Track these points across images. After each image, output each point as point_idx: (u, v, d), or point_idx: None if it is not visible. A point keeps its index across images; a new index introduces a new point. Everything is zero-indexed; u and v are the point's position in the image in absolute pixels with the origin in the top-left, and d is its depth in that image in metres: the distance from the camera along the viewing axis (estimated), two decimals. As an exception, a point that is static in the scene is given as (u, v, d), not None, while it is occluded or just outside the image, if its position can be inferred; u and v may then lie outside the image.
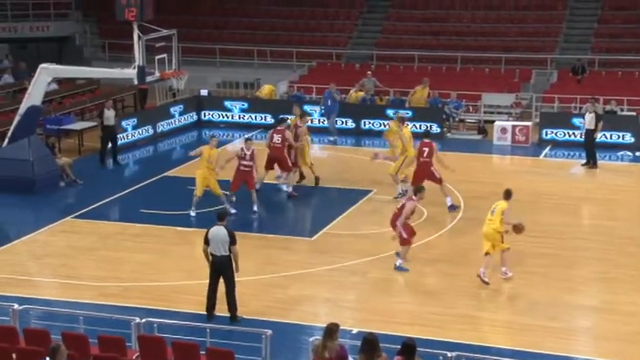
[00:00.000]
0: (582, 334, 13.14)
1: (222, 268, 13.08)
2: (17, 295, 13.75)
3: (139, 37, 21.10)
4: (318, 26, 34.16)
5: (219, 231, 13.10)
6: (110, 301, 13.90)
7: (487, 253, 14.56)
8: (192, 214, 18.03)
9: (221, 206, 17.70)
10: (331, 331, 9.86)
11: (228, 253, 13.06)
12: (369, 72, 29.19)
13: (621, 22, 31.34)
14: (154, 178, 21.33)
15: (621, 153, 23.79)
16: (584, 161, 22.48)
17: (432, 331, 12.78)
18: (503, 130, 25.22)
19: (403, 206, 15.50)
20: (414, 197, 15.78)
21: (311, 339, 10.76)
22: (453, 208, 18.65)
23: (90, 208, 18.91)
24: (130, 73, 21.40)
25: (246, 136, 22.51)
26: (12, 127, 20.75)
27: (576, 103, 26.94)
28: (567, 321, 13.35)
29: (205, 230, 13.35)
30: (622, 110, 26.07)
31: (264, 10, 35.06)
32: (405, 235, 15.37)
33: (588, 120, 22.48)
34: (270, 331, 11.06)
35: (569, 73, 29.28)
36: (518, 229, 14.82)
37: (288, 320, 13.31)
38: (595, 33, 31.41)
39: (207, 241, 13.14)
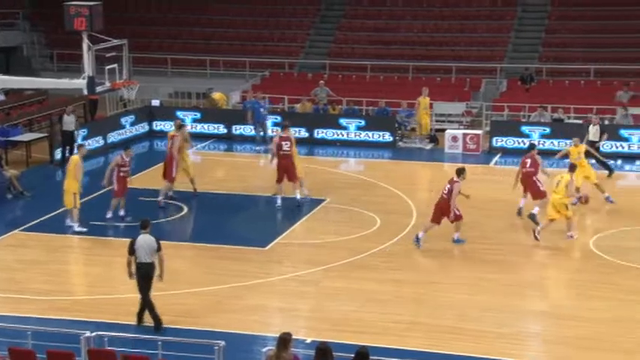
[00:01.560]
0: (532, 339, 13.30)
1: (146, 275, 13.19)
2: (-37, 311, 13.45)
3: (89, 47, 20.88)
4: (270, 36, 34.19)
5: (145, 239, 13.21)
6: (59, 315, 13.67)
7: (551, 220, 16.80)
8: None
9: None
10: (285, 340, 9.83)
11: (152, 260, 13.16)
12: (321, 81, 29.30)
13: (568, 32, 31.94)
14: (103, 190, 21.03)
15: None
16: (607, 172, 22.25)
17: (386, 339, 12.81)
18: (454, 138, 25.49)
19: (451, 190, 16.84)
20: (456, 179, 16.95)
21: (264, 349, 10.70)
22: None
23: (38, 220, 18.60)
24: (80, 83, 21.17)
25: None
26: (-42, 139, 20.37)
27: (525, 112, 27.34)
28: (517, 326, 13.50)
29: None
30: (569, 118, 26.54)
31: (217, 20, 34.98)
32: (458, 213, 16.92)
33: (592, 132, 22.76)
34: (223, 342, 10.97)
35: (518, 82, 29.73)
36: (584, 199, 17.58)
37: (242, 331, 13.23)
38: (543, 42, 31.96)
39: (132, 251, 13.19)
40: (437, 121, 27.88)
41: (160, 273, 13.29)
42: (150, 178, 21.12)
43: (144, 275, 13.18)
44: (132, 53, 22.97)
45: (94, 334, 11.29)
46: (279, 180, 19.54)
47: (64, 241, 17.49)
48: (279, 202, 19.55)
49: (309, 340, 12.42)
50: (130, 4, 35.37)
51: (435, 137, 26.56)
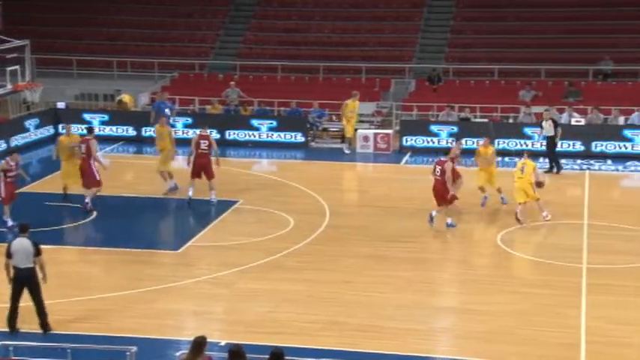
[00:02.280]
0: (443, 335, 13.58)
1: (26, 280, 12.89)
2: None
3: (-12, 48, 20.26)
4: (179, 36, 33.81)
5: (22, 243, 12.91)
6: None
7: (522, 203, 18.02)
8: None
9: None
10: (198, 344, 9.75)
11: (32, 265, 12.87)
12: (232, 82, 29.17)
13: (472, 33, 32.74)
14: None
15: (474, 158, 24.75)
16: (547, 167, 22.89)
17: (301, 339, 12.86)
18: (366, 138, 25.80)
19: (443, 170, 17.53)
20: (444, 158, 17.85)
21: (178, 353, 10.60)
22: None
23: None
24: (-20, 85, 20.51)
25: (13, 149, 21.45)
26: None
27: (433, 111, 27.88)
28: (429, 323, 13.76)
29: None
30: (475, 117, 27.22)
31: (123, 20, 34.37)
32: (452, 192, 17.60)
33: (547, 127, 23.24)
34: (135, 348, 10.80)
35: (426, 82, 30.30)
36: (540, 184, 18.22)
37: (155, 335, 13.04)
38: (448, 43, 32.66)
39: (9, 255, 12.88)
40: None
41: (43, 277, 12.95)
42: (57, 182, 20.57)
43: (23, 280, 12.84)
44: (35, 54, 22.38)
45: None
46: (194, 176, 19.63)
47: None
48: (190, 193, 19.65)
49: (223, 343, 12.35)
50: (32, 4, 34.36)
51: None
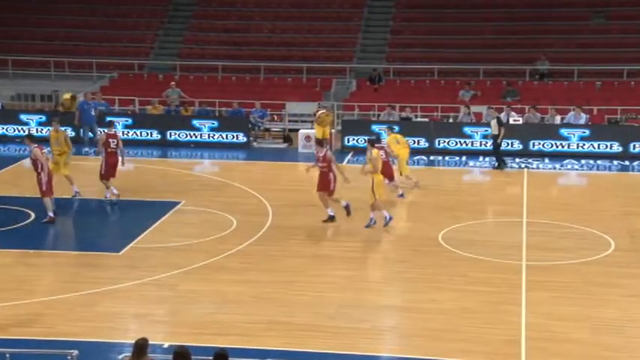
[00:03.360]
0: (389, 333, 13.67)
1: None
2: None
3: None
4: (117, 36, 33.36)
5: None
6: None
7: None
8: None
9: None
10: (140, 346, 9.64)
11: None
12: (172, 82, 28.94)
13: (411, 33, 33.09)
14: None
15: (417, 157, 25.06)
16: (495, 164, 23.54)
17: (244, 339, 12.82)
18: (308, 137, 25.85)
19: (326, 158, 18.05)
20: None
21: (120, 356, 10.47)
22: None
23: None
24: None
25: None
26: None
27: (374, 111, 28.10)
28: (373, 321, 13.83)
29: None
30: (416, 117, 27.52)
31: (59, 20, 33.77)
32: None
33: (493, 126, 23.54)
34: (76, 352, 10.60)
35: (367, 82, 30.51)
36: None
37: (97, 339, 12.85)
38: (388, 43, 32.94)
39: None
40: (290, 121, 28.18)
41: None
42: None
43: None
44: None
45: None
46: (106, 177, 19.79)
47: None
48: (108, 195, 19.74)
49: (166, 345, 12.23)
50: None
51: (288, 137, 26.83)
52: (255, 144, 26.46)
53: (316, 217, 19.02)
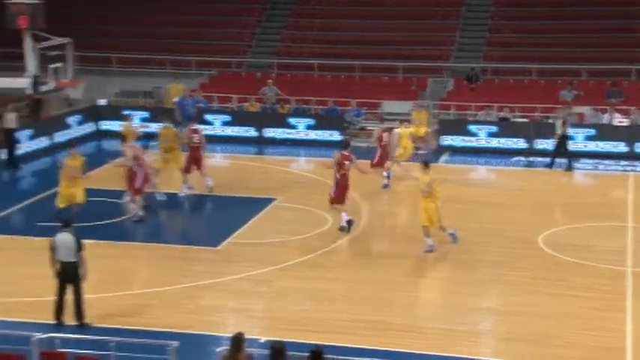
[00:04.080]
0: (485, 336, 13.48)
1: (69, 274, 13.11)
2: None
3: (32, 46, 20.50)
4: (217, 35, 33.98)
5: (65, 237, 13.11)
6: (9, 316, 13.39)
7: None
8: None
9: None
10: (238, 340, 9.80)
11: (75, 260, 13.08)
12: (269, 80, 29.26)
13: (511, 32, 32.46)
14: (50, 191, 20.68)
15: (515, 159, 24.61)
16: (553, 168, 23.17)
17: (340, 337, 12.85)
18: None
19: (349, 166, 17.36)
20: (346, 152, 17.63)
21: (218, 349, 10.65)
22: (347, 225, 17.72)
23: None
24: (23, 82, 20.77)
25: None
26: None
27: (471, 110, 27.72)
28: (469, 324, 13.66)
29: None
30: (515, 117, 27.01)
31: (162, 18, 34.62)
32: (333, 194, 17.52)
33: (558, 126, 23.23)
34: (176, 343, 10.88)
35: (464, 81, 30.12)
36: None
37: (196, 331, 13.14)
38: (487, 42, 32.43)
39: (53, 249, 13.13)
40: (386, 120, 28.02)
41: (83, 272, 13.16)
42: (99, 178, 20.82)
43: (66, 274, 13.09)
44: (76, 52, 22.60)
45: (45, 335, 11.12)
46: (187, 171, 20.18)
47: (11, 241, 17.15)
48: (185, 190, 20.21)
49: (263, 340, 12.39)
50: (73, 3, 34.76)
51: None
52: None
53: (412, 216, 18.92)
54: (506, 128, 25.17)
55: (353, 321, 13.56)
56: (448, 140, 25.73)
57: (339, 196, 17.69)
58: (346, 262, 16.23)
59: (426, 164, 16.99)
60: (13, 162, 22.83)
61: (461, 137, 25.64)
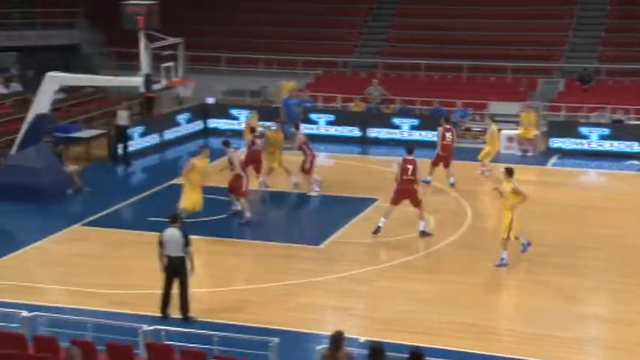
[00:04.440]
0: (590, 344, 13.11)
1: (177, 269, 13.38)
2: (26, 302, 13.76)
3: (146, 46, 21.17)
4: (323, 35, 34.22)
5: (173, 233, 13.39)
6: (119, 308, 13.93)
7: None
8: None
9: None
10: (338, 339, 9.86)
11: (182, 255, 13.35)
12: (375, 80, 29.26)
13: (627, 31, 31.34)
14: (160, 186, 21.38)
15: (629, 162, 23.77)
16: None
17: (439, 340, 12.77)
18: (510, 139, 25.22)
19: (415, 170, 17.11)
20: (409, 157, 17.38)
21: (318, 347, 10.76)
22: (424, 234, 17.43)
23: (97, 215, 18.95)
24: (137, 81, 21.47)
25: None
26: (20, 135, 20.84)
27: (583, 112, 26.93)
28: (574, 330, 13.32)
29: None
30: (629, 119, 26.07)
31: (270, 19, 35.15)
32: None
33: None
34: (277, 340, 11.06)
35: (576, 82, 29.27)
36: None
37: (296, 329, 13.30)
38: (601, 42, 31.41)
39: (161, 244, 13.44)
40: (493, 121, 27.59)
41: (191, 267, 13.45)
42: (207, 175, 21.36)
43: (174, 269, 13.41)
44: (187, 51, 23.11)
45: (151, 327, 11.49)
46: (307, 172, 20.47)
47: (124, 236, 17.81)
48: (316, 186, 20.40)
49: (362, 340, 12.41)
50: (185, 3, 35.73)
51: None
52: (454, 143, 26.14)
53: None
54: (619, 131, 24.33)
55: (451, 323, 13.44)
56: (558, 143, 25.06)
57: (393, 198, 17.53)
58: (446, 264, 16.08)
59: (509, 171, 16.19)
60: (125, 158, 23.70)
61: (571, 140, 24.93)
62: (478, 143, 26.02)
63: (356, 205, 19.63)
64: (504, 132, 25.58)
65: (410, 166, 17.31)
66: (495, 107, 27.81)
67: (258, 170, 20.57)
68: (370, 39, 34.21)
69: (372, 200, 19.99)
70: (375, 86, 28.76)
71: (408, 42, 33.21)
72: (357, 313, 14.16)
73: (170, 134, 26.24)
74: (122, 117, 23.85)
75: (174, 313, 13.58)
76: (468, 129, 26.95)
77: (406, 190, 17.32)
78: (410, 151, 17.62)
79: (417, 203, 17.39)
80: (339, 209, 19.62)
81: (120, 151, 23.69)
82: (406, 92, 29.13)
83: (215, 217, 18.32)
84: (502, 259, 15.77)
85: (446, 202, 19.96)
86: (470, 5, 33.59)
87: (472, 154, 23.88)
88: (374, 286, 15.17)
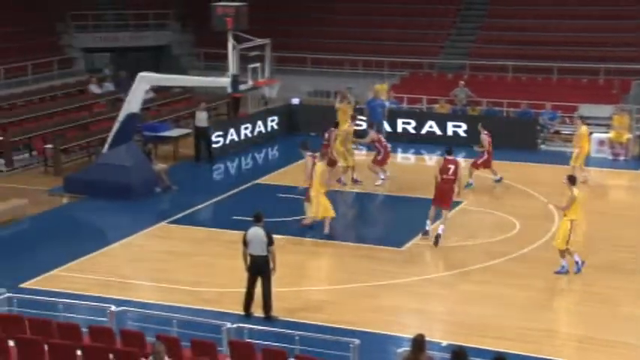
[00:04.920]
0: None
1: (260, 268, 13.50)
2: (114, 297, 14.17)
3: (234, 47, 21.47)
4: (410, 36, 34.03)
5: (257, 232, 13.52)
6: (203, 305, 14.18)
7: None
8: None
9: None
10: (419, 342, 9.79)
11: (266, 254, 13.45)
12: (461, 82, 28.92)
13: None
14: (245, 185, 21.66)
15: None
16: None
17: (523, 346, 12.56)
18: (601, 142, 24.56)
19: (456, 171, 17.07)
20: (450, 157, 17.30)
21: (399, 350, 10.71)
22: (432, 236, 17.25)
23: (184, 213, 19.33)
24: (224, 81, 21.79)
25: None
26: (111, 134, 21.44)
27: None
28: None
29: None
30: None
31: (356, 20, 35.18)
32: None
33: None
34: (358, 341, 11.08)
35: (672, 84, 28.29)
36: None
37: (377, 330, 13.29)
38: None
39: (245, 243, 13.57)
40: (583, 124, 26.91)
41: (273, 267, 13.56)
42: (288, 175, 21.53)
43: (257, 268, 13.56)
44: (273, 52, 23.35)
45: (234, 325, 11.66)
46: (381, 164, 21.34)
47: (209, 234, 18.12)
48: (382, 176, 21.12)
49: (444, 343, 12.32)
50: (272, 4, 36.10)
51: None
52: (542, 146, 25.64)
53: (604, 224, 18.08)
54: None
55: (535, 329, 13.20)
56: (651, 147, 24.26)
57: (435, 198, 17.48)
58: (531, 270, 15.76)
59: (571, 179, 15.70)
60: (209, 158, 23.98)
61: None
62: (568, 147, 25.47)
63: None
64: (595, 135, 24.91)
65: (452, 166, 17.35)
66: (586, 110, 27.08)
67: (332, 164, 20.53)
68: (458, 40, 33.83)
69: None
70: (461, 88, 28.43)
71: (497, 43, 32.69)
72: (438, 317, 14.04)
73: (255, 134, 26.50)
74: (200, 119, 24.17)
75: (257, 311, 13.74)
76: (556, 132, 26.35)
77: (444, 190, 17.31)
78: (449, 152, 17.65)
79: (449, 205, 17.41)
80: (423, 211, 19.40)
81: (203, 150, 24.06)
82: (493, 94, 28.68)
83: (300, 217, 18.41)
84: (562, 266, 15.39)
85: (535, 206, 19.56)
86: (561, 5, 32.85)
87: (561, 158, 23.36)
88: (456, 289, 15.02)
